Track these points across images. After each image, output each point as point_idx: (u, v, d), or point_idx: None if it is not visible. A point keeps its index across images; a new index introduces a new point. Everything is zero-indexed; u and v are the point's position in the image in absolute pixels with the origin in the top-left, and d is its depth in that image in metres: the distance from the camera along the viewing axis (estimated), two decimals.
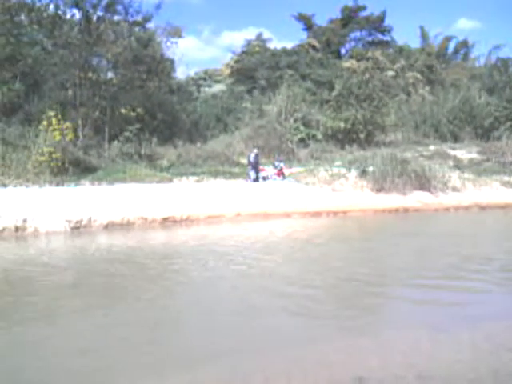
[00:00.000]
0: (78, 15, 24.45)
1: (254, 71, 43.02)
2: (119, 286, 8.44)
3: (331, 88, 33.64)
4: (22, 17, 25.37)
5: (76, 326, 6.57)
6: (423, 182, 19.90)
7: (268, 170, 21.45)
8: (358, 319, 6.94)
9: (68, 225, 13.40)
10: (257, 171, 20.81)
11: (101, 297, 7.92)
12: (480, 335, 6.37)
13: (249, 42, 49.64)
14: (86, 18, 24.04)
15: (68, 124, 20.62)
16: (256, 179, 20.59)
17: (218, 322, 6.68)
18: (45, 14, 25.23)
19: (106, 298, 7.85)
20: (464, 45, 52.22)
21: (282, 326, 6.62)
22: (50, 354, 5.71)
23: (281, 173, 21.06)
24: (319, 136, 29.01)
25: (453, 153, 26.59)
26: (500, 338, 6.32)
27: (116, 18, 25.32)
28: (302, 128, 29.02)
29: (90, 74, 24.20)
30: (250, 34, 76.84)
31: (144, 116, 24.68)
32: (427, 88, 43.25)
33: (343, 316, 7.05)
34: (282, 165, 21.48)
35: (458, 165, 23.81)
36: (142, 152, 22.58)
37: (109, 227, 13.93)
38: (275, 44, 51.96)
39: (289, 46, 49.87)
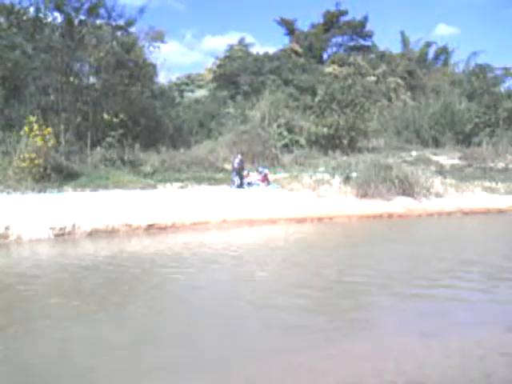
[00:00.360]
0: (59, 18, 24.25)
1: (237, 76, 43.03)
2: (99, 296, 8.28)
3: (314, 93, 33.90)
4: (1, 19, 25.01)
5: (44, 337, 6.45)
6: (406, 188, 20.03)
7: (252, 176, 21.41)
8: (346, 327, 6.93)
9: (52, 232, 13.19)
10: (241, 177, 20.77)
11: (78, 307, 7.68)
12: (470, 341, 6.41)
13: (231, 47, 49.65)
14: (68, 21, 23.79)
15: (50, 129, 20.31)
16: (240, 185, 20.55)
17: (200, 333, 6.59)
18: (25, 17, 24.95)
19: (83, 309, 7.61)
20: (444, 51, 52.95)
21: (271, 334, 6.57)
22: None
23: (265, 179, 21.04)
24: (303, 142, 29.14)
25: (435, 158, 26.88)
26: (490, 343, 6.36)
27: (98, 21, 25.15)
28: (285, 134, 29.13)
29: (71, 79, 23.93)
30: (233, 38, 77.04)
31: (127, 121, 24.43)
32: (408, 93, 43.76)
33: (332, 324, 7.02)
34: (266, 171, 21.47)
35: (441, 170, 24.06)
36: (125, 158, 22.33)
37: (93, 234, 13.74)
38: (258, 49, 52.32)
39: (271, 50, 50.08)
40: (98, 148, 22.42)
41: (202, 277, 9.60)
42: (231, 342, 6.36)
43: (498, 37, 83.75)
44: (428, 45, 52.92)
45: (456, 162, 26.55)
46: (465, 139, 31.69)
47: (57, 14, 24.11)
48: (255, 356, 5.90)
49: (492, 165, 25.45)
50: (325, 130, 28.85)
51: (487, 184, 22.31)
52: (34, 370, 5.59)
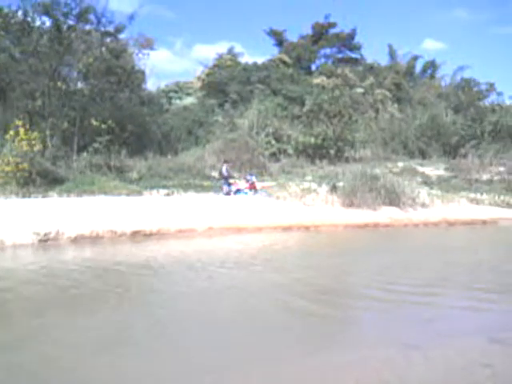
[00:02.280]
0: (48, 23, 24.14)
1: (226, 85, 43.10)
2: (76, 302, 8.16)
3: (302, 104, 34.09)
4: None
5: None
6: (393, 198, 20.09)
7: (240, 184, 21.40)
8: (329, 336, 6.89)
9: (36, 237, 13.01)
10: (229, 185, 20.78)
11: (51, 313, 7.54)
12: (452, 351, 6.40)
13: (220, 56, 49.79)
14: (56, 26, 23.68)
15: (36, 134, 20.16)
16: (228, 192, 20.54)
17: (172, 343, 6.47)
18: (13, 21, 24.80)
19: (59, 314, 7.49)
20: (431, 64, 53.63)
21: (251, 344, 6.48)
22: None
23: (252, 186, 21.02)
24: (290, 151, 29.22)
25: (421, 169, 27.07)
26: (472, 353, 6.35)
27: (88, 27, 25.08)
28: (273, 142, 29.20)
29: (59, 84, 23.76)
30: (222, 47, 77.20)
31: (114, 127, 24.31)
32: (395, 105, 44.12)
33: (313, 334, 6.96)
34: (253, 179, 21.46)
35: (427, 181, 24.22)
36: (112, 164, 22.20)
37: (77, 240, 13.59)
38: (247, 58, 52.26)
39: (260, 60, 50.27)
40: (85, 153, 22.28)
41: (181, 285, 9.50)
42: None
43: (483, 53, 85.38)
44: (415, 58, 53.59)
45: (442, 173, 26.76)
46: (451, 151, 31.98)
47: (45, 19, 24.05)
48: (239, 367, 5.83)
49: (477, 176, 25.68)
50: (312, 139, 28.97)
51: (472, 195, 22.49)
52: None
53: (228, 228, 15.99)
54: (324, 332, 7.07)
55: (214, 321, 7.30)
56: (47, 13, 23.56)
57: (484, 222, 19.78)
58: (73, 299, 8.26)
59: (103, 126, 23.32)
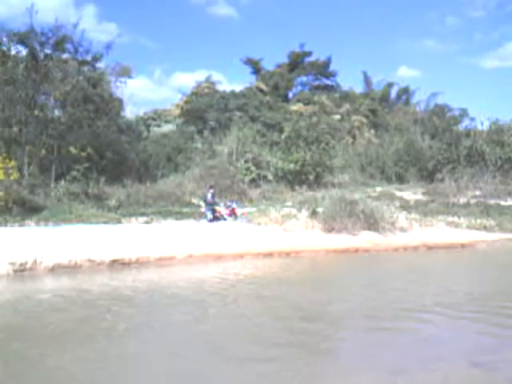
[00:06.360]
0: (24, 52, 24.01)
1: (204, 112, 43.36)
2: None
3: (280, 130, 34.45)
4: None
5: None
6: (372, 223, 20.19)
7: (220, 210, 21.28)
8: (314, 365, 6.84)
9: (11, 268, 12.69)
10: (213, 211, 20.66)
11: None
12: (437, 376, 6.40)
13: (199, 84, 50.17)
14: (32, 55, 23.59)
15: (13, 162, 19.88)
16: (212, 219, 20.42)
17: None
18: None
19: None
20: (405, 91, 54.85)
21: (235, 375, 6.44)
22: None
23: (232, 213, 20.94)
24: (270, 177, 29.36)
25: (399, 194, 27.33)
26: (456, 378, 6.40)
27: (65, 56, 25.02)
28: (253, 169, 29.32)
29: (36, 112, 23.54)
30: (201, 75, 77.97)
31: (92, 155, 24.10)
32: (372, 131, 44.84)
33: (298, 362, 6.90)
34: (233, 205, 21.40)
35: (405, 205, 24.42)
36: (90, 192, 21.91)
37: (55, 270, 13.31)
38: (225, 86, 52.76)
39: (238, 88, 50.76)
40: (63, 181, 21.96)
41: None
42: None
43: (454, 81, 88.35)
44: (390, 85, 54.80)
45: (420, 197, 27.06)
46: (428, 175, 32.47)
47: (21, 48, 23.93)
48: None
49: (454, 200, 26.01)
50: (291, 165, 29.20)
51: (450, 219, 22.72)
52: None
53: (209, 255, 15.84)
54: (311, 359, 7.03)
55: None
56: (23, 42, 23.47)
57: (462, 246, 19.98)
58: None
59: (82, 153, 23.12)
